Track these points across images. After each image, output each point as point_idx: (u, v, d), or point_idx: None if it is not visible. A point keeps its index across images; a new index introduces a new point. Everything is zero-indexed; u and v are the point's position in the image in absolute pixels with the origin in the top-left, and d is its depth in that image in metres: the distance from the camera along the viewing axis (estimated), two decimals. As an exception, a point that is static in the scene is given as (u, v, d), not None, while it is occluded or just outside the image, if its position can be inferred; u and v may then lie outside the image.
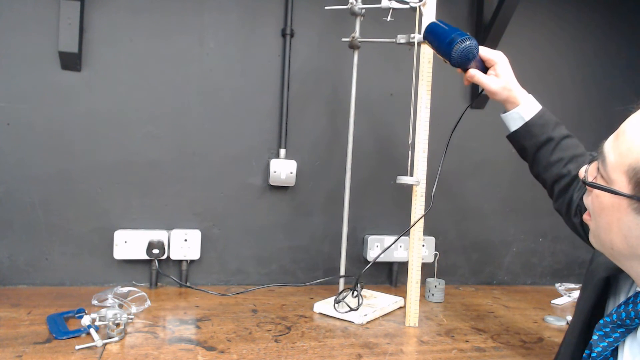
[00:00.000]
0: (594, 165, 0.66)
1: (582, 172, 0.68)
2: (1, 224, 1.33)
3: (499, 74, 1.01)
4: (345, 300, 1.22)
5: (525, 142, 1.01)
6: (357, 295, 1.22)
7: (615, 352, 0.68)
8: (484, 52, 1.02)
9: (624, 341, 0.67)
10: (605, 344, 0.67)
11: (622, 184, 0.59)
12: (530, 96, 1.02)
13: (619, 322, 0.65)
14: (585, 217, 0.70)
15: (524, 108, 1.00)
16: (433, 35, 1.04)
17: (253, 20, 1.47)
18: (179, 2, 1.42)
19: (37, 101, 1.33)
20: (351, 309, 1.18)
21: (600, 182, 0.63)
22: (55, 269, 1.36)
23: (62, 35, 1.30)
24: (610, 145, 0.63)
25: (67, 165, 1.36)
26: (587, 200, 0.68)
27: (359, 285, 1.23)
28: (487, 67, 1.03)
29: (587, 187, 0.66)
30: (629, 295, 0.69)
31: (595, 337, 0.68)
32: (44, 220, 1.35)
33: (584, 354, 0.72)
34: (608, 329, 0.67)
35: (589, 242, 0.72)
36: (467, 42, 0.98)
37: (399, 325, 1.20)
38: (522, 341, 1.13)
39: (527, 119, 0.99)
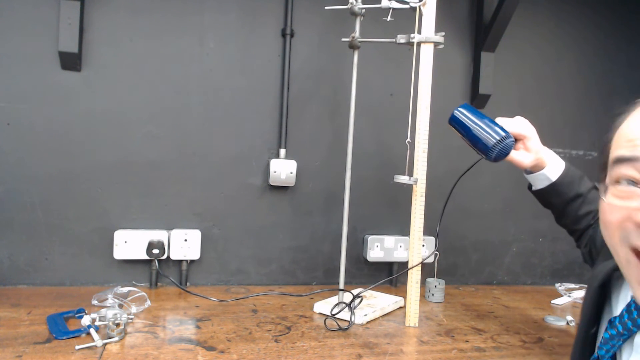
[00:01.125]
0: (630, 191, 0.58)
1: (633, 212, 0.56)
2: (1, 224, 1.33)
3: (529, 147, 0.99)
4: (340, 314, 1.19)
5: (553, 199, 1.02)
6: (351, 313, 1.18)
7: (614, 357, 0.68)
8: (515, 129, 0.99)
9: (620, 345, 0.68)
10: (607, 348, 0.67)
11: None
12: (552, 153, 1.02)
13: (625, 332, 0.65)
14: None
15: (550, 169, 1.00)
16: (464, 130, 1.00)
17: (253, 20, 1.48)
18: (179, 2, 1.42)
19: (37, 101, 1.33)
20: (340, 328, 1.14)
21: None
22: (55, 269, 1.36)
23: (62, 35, 1.30)
24: None
25: (67, 165, 1.36)
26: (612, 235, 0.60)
27: (355, 301, 1.21)
28: (516, 140, 1.01)
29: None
30: (619, 296, 0.69)
31: (602, 351, 0.67)
32: (44, 220, 1.35)
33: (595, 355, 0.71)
34: (614, 342, 0.66)
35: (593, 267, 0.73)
36: (503, 143, 0.95)
37: (399, 325, 1.20)
38: (522, 341, 1.13)
39: (554, 179, 1.00)
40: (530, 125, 1.01)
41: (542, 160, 1.00)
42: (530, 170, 1.03)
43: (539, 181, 1.02)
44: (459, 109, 1.03)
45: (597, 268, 0.75)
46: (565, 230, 1.07)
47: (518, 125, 1.00)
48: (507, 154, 0.97)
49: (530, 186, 1.07)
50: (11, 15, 1.30)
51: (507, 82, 1.69)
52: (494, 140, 0.95)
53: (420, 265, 1.18)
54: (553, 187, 1.00)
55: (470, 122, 1.00)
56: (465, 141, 1.03)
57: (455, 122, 1.03)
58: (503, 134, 0.95)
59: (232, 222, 1.48)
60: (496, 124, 0.98)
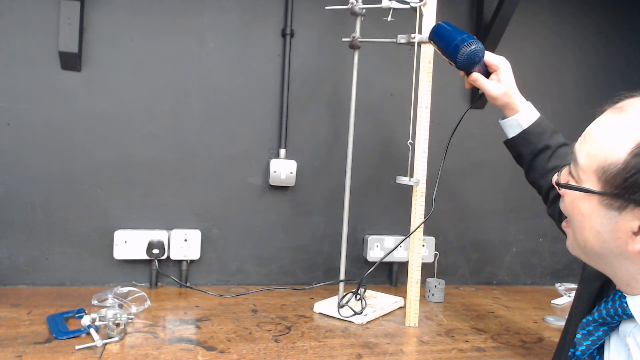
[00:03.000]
0: (565, 170, 0.70)
1: (555, 178, 0.71)
2: (1, 224, 1.33)
3: (501, 79, 1.02)
4: (349, 304, 1.21)
5: (523, 149, 1.02)
6: (360, 299, 1.21)
7: (601, 350, 0.69)
8: (488, 57, 1.03)
9: (609, 339, 0.69)
10: (589, 342, 0.69)
11: (592, 183, 0.62)
12: (529, 103, 1.03)
13: (600, 320, 0.67)
14: (563, 224, 0.73)
15: (523, 115, 1.01)
16: (439, 37, 1.04)
17: (253, 20, 1.47)
18: (179, 2, 1.42)
19: (37, 101, 1.33)
20: (355, 313, 1.16)
21: (572, 183, 0.66)
22: (55, 269, 1.36)
23: (62, 35, 1.30)
24: (578, 147, 0.67)
25: (67, 165, 1.36)
26: (562, 205, 0.70)
27: (362, 288, 1.22)
28: (490, 72, 1.04)
29: (560, 192, 0.70)
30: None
31: (578, 335, 0.70)
32: (44, 220, 1.35)
33: (569, 353, 0.73)
34: (591, 328, 0.69)
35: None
36: (473, 46, 0.98)
37: (399, 325, 1.20)
38: (522, 341, 1.13)
39: (525, 126, 1.01)
40: (506, 60, 1.03)
41: (514, 104, 1.02)
42: (505, 117, 1.05)
43: (511, 128, 1.03)
44: (440, 22, 1.07)
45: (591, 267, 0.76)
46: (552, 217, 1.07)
47: (494, 55, 1.03)
48: (475, 61, 1.00)
49: (506, 141, 1.08)
50: (11, 15, 1.30)
51: (507, 82, 1.68)
52: (464, 43, 0.98)
53: (420, 265, 1.19)
54: (523, 136, 1.01)
55: (446, 30, 1.03)
56: (440, 52, 1.05)
57: (434, 32, 1.06)
58: (473, 39, 0.99)
59: (232, 222, 1.48)
60: (470, 35, 1.01)
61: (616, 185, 0.59)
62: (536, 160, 1.00)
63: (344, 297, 1.23)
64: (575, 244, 0.69)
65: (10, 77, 1.31)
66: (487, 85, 1.02)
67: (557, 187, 0.70)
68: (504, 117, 1.05)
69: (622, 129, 0.61)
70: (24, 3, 1.31)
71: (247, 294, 1.39)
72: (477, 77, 1.02)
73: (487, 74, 1.04)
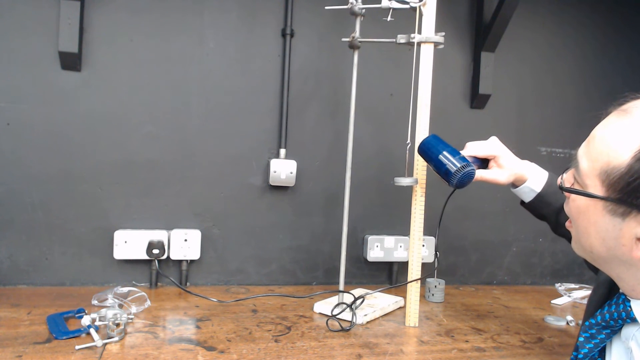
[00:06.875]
0: (570, 172, 0.69)
1: (559, 180, 0.71)
2: (1, 224, 1.33)
3: (501, 165, 1.02)
4: (341, 315, 1.18)
5: (543, 210, 1.03)
6: (353, 313, 1.17)
7: (602, 353, 0.69)
8: (481, 151, 1.03)
9: (610, 342, 0.68)
10: (592, 345, 0.68)
11: (596, 188, 0.61)
12: (534, 165, 1.04)
13: (603, 323, 0.67)
14: (567, 223, 0.72)
15: (533, 182, 1.02)
16: (427, 158, 1.05)
17: (253, 20, 1.47)
18: (179, 2, 1.42)
19: (37, 101, 1.33)
20: (342, 329, 1.13)
21: (576, 187, 0.66)
22: (55, 269, 1.36)
23: (62, 35, 1.30)
24: (582, 152, 0.66)
25: (67, 165, 1.36)
26: (567, 208, 0.70)
27: (357, 302, 1.21)
28: (488, 160, 1.05)
29: (565, 194, 0.69)
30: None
31: (581, 339, 0.70)
32: (44, 220, 1.35)
33: (572, 356, 0.72)
34: (593, 331, 0.68)
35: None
36: (462, 172, 0.98)
37: (399, 325, 1.20)
38: (522, 341, 1.13)
39: (539, 190, 1.02)
40: (499, 144, 1.04)
41: (521, 175, 1.02)
42: (515, 185, 1.05)
43: (525, 194, 1.04)
44: (426, 139, 1.07)
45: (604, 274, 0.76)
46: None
47: (486, 147, 1.03)
48: (468, 180, 1.00)
49: (522, 202, 1.08)
50: (11, 15, 1.30)
51: (507, 82, 1.69)
52: (451, 171, 0.99)
53: (420, 265, 1.18)
54: (540, 198, 1.02)
55: (431, 150, 1.04)
56: (432, 168, 1.06)
57: (422, 151, 1.08)
58: (462, 163, 0.99)
59: (232, 222, 1.48)
60: (458, 154, 1.01)
61: (619, 189, 0.58)
62: (560, 216, 1.00)
63: (336, 306, 1.21)
64: (580, 247, 0.69)
65: (10, 77, 1.31)
66: (492, 177, 1.02)
67: (561, 190, 0.69)
68: (514, 186, 1.05)
69: (625, 132, 0.60)
70: (24, 3, 1.31)
71: (246, 292, 1.39)
72: (479, 176, 1.02)
73: (483, 163, 1.05)
